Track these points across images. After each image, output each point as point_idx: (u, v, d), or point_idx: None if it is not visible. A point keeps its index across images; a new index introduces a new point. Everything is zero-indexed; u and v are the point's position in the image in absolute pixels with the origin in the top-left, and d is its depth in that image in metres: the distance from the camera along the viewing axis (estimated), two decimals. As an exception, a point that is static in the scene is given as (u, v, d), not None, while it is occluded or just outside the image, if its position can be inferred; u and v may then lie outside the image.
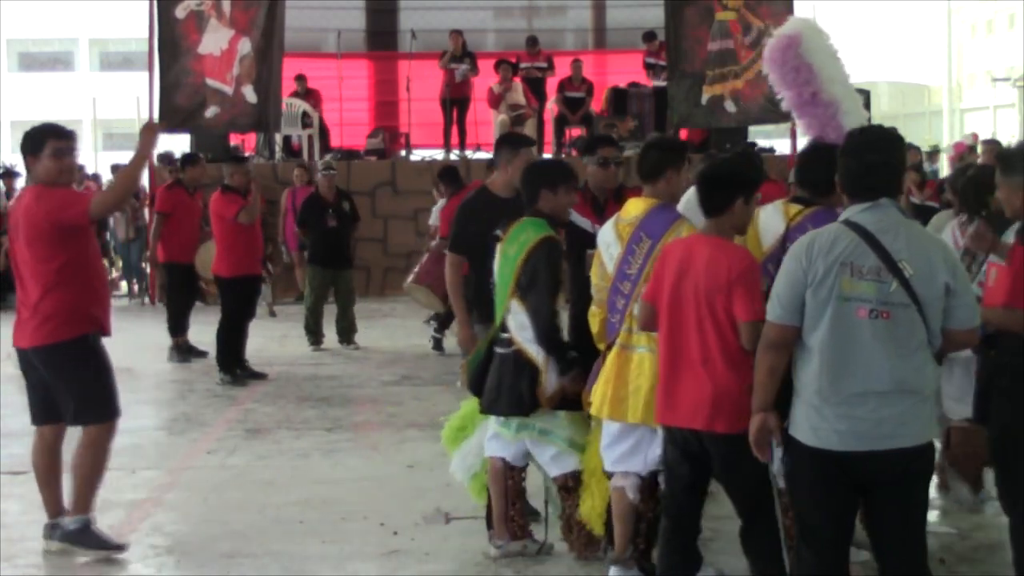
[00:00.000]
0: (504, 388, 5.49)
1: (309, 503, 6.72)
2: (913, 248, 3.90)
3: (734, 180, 4.66)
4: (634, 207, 5.23)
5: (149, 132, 6.11)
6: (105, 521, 6.44)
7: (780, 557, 4.48)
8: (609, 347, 5.20)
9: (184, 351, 11.68)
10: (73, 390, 5.79)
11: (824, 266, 3.89)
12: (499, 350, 5.58)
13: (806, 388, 3.97)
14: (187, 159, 12.47)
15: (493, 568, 5.62)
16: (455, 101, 17.67)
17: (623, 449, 5.18)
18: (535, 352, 5.43)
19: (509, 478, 5.69)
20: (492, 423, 5.70)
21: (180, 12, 16.28)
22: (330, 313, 12.32)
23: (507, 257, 5.52)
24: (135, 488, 7.18)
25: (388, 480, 7.23)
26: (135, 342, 10.96)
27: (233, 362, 10.61)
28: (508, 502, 5.69)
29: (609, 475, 5.32)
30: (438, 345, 11.87)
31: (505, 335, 5.54)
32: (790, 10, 17.23)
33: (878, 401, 3.86)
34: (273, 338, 12.83)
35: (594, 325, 5.40)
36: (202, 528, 6.32)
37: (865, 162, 3.97)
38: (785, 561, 4.47)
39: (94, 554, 5.82)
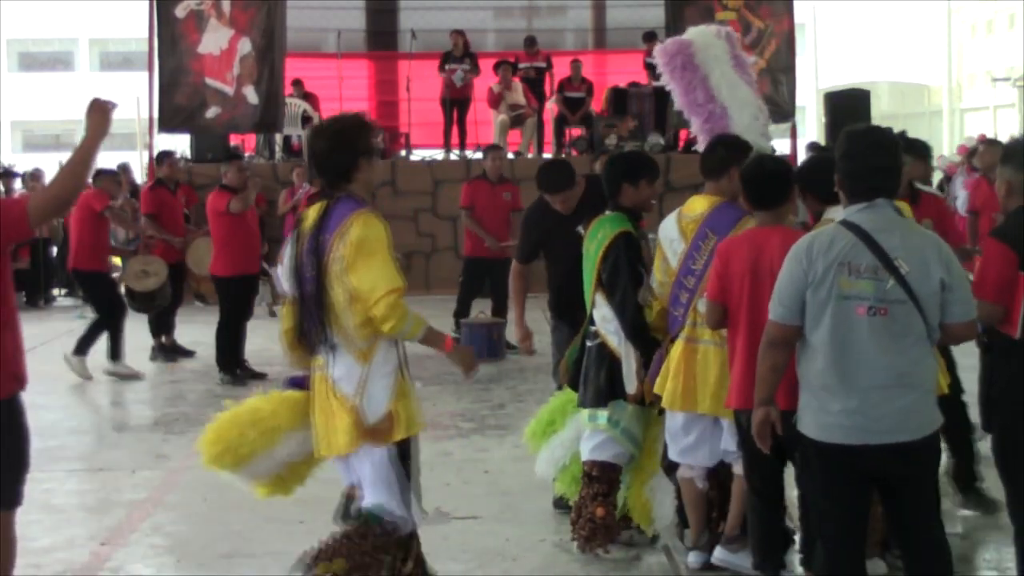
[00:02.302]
0: (589, 380, 5.65)
1: (309, 503, 6.71)
2: (908, 246, 3.99)
3: (789, 173, 4.97)
4: (698, 204, 5.38)
5: (98, 113, 4.42)
6: (105, 522, 6.45)
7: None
8: (672, 340, 5.35)
9: (169, 350, 11.69)
10: None
11: (823, 266, 3.98)
12: (588, 343, 5.73)
13: (811, 384, 4.06)
14: (160, 156, 12.58)
15: (494, 567, 5.62)
16: (455, 101, 17.66)
17: (688, 441, 5.35)
18: (616, 343, 5.57)
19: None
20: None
21: (180, 12, 16.29)
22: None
23: (588, 254, 5.69)
24: (135, 488, 7.18)
25: (388, 480, 7.21)
26: (135, 342, 10.95)
27: (233, 362, 10.60)
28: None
29: (672, 466, 5.50)
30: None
31: (593, 328, 5.69)
32: (790, 10, 17.31)
33: (881, 396, 3.94)
34: (273, 338, 12.72)
35: (649, 315, 5.55)
36: (202, 528, 6.32)
37: (869, 165, 4.06)
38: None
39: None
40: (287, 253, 4.57)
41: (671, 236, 5.40)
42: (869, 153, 4.08)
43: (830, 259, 3.98)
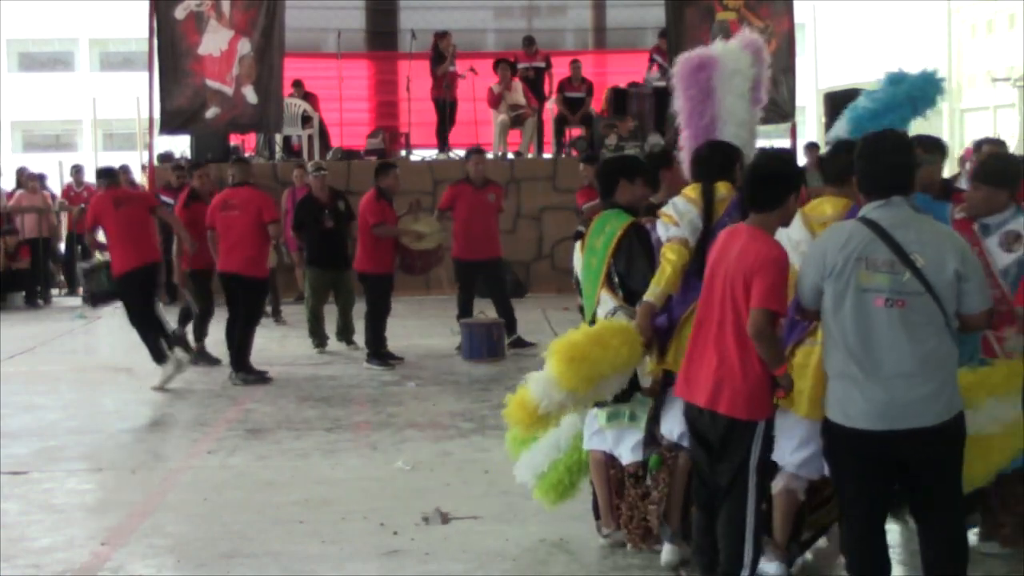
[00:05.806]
0: None
1: (309, 503, 6.72)
2: (924, 240, 4.19)
3: (787, 177, 4.77)
4: (829, 206, 5.21)
5: None
6: (105, 522, 6.45)
7: (741, 541, 4.66)
8: (798, 344, 5.06)
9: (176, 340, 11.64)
10: None
11: (841, 259, 4.21)
12: None
13: (836, 373, 4.28)
14: (165, 159, 12.52)
15: (494, 567, 5.63)
16: (452, 102, 17.64)
17: (809, 452, 5.02)
18: None
19: (611, 468, 5.74)
20: (591, 417, 5.74)
21: (180, 13, 16.30)
22: (331, 313, 12.29)
23: (594, 250, 5.65)
24: (135, 488, 7.19)
25: (388, 480, 7.23)
26: (135, 342, 10.94)
27: (243, 360, 10.56)
28: (611, 492, 5.77)
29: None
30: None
31: None
32: (790, 10, 17.32)
33: (904, 383, 4.14)
34: (273, 338, 12.82)
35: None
36: (202, 528, 6.32)
37: (884, 164, 4.28)
38: (746, 547, 4.65)
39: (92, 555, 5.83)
40: (690, 214, 5.31)
41: (801, 237, 5.12)
42: (884, 153, 4.29)
43: (847, 253, 4.20)
